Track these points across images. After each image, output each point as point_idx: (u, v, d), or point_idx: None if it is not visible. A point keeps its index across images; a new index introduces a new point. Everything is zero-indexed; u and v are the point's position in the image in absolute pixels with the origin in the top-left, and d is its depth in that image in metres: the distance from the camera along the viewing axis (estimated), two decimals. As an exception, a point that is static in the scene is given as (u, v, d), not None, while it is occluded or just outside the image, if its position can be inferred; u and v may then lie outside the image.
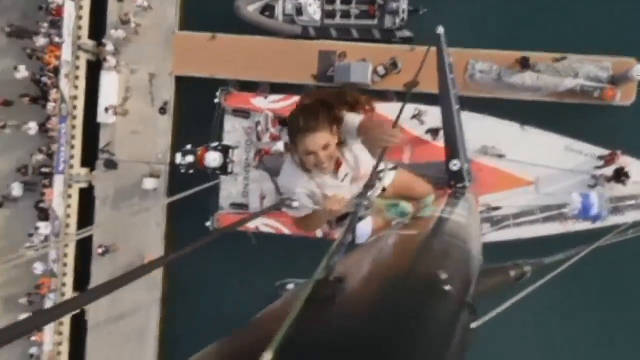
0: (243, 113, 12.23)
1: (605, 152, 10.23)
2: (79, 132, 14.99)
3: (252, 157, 12.10)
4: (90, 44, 15.03)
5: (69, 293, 14.82)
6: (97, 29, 15.06)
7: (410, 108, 10.49)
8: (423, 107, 10.43)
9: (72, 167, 14.88)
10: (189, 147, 12.28)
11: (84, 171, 15.11)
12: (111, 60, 14.56)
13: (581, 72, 12.07)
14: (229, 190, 12.46)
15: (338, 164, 3.25)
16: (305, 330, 1.22)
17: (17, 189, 15.20)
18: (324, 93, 3.25)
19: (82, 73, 15.05)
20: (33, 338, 14.32)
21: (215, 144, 12.05)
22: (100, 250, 14.50)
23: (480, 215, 9.81)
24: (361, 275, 1.78)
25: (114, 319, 14.65)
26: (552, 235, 10.07)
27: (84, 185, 15.16)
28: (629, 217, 9.88)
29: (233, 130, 12.38)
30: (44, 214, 14.93)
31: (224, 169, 12.06)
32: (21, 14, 15.52)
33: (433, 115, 10.19)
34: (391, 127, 3.07)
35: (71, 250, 14.95)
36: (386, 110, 4.67)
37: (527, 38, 12.81)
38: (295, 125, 3.00)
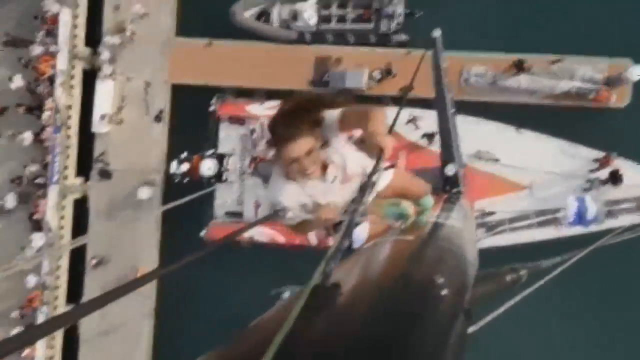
0: (238, 120, 12.22)
1: (599, 154, 10.25)
2: (73, 142, 14.92)
3: (247, 165, 12.07)
4: (85, 52, 15.00)
5: (62, 306, 14.71)
6: (93, 37, 15.04)
7: (405, 113, 10.50)
8: (418, 112, 10.45)
9: (66, 178, 14.81)
10: (184, 155, 12.27)
11: (78, 181, 15.04)
12: (106, 69, 14.53)
13: (576, 74, 12.10)
14: (224, 198, 12.42)
15: (325, 167, 3.18)
16: (303, 336, 1.21)
17: (10, 200, 15.06)
18: (301, 97, 3.16)
19: (77, 82, 15.01)
20: (24, 354, 14.03)
21: (210, 152, 12.04)
22: (93, 262, 14.42)
23: (475, 221, 9.81)
24: (358, 280, 1.77)
25: (106, 332, 14.50)
26: (547, 240, 10.06)
27: (78, 195, 15.10)
28: (624, 220, 9.88)
29: (228, 137, 12.36)
30: (38, 226, 14.84)
31: (218, 177, 12.04)
32: (16, 23, 15.48)
33: (428, 120, 10.20)
34: (373, 113, 3.00)
35: (64, 262, 14.85)
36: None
37: (523, 41, 12.82)
38: (275, 134, 2.93)
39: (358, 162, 3.30)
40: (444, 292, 1.46)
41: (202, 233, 12.21)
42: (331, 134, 3.16)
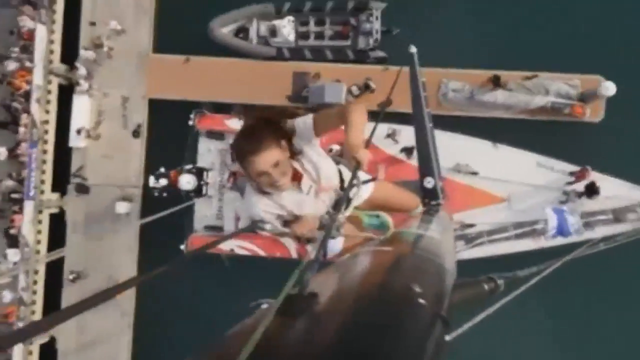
0: (217, 135, 12.18)
1: (575, 168, 10.41)
2: (49, 157, 14.77)
3: (226, 179, 12.03)
4: (62, 67, 14.90)
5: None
6: (69, 53, 14.94)
7: (384, 127, 10.57)
8: (397, 126, 10.52)
9: (43, 193, 14.64)
10: (162, 169, 12.19)
11: (55, 196, 14.87)
12: (83, 84, 14.44)
13: (551, 90, 12.30)
14: (203, 212, 12.36)
15: (299, 177, 3.15)
16: (279, 345, 1.21)
17: (-16, 216, 14.83)
18: (262, 111, 3.12)
19: (53, 97, 14.87)
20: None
21: (189, 167, 11.98)
22: (71, 277, 14.22)
23: (455, 233, 9.87)
24: (336, 290, 1.77)
25: (84, 345, 14.31)
26: (526, 251, 10.17)
27: (54, 210, 14.92)
28: (600, 232, 10.06)
29: (207, 152, 12.31)
30: (14, 241, 14.61)
31: (198, 192, 11.98)
32: (-9, 38, 15.37)
33: (407, 134, 10.27)
34: (350, 107, 2.96)
35: (40, 277, 14.62)
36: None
37: (499, 57, 13.04)
38: (239, 150, 2.89)
39: (335, 172, 3.28)
40: (422, 300, 1.47)
41: (182, 247, 12.13)
42: (306, 142, 3.13)
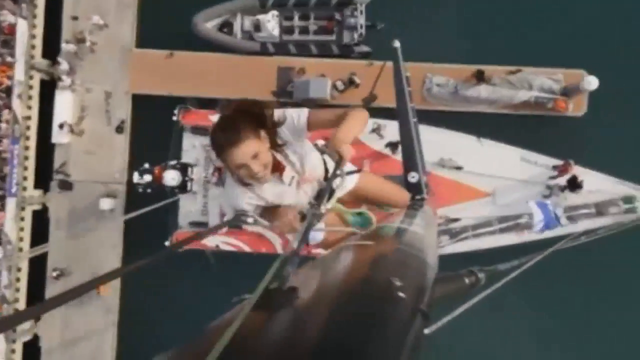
0: (201, 130, 12.11)
1: (558, 162, 10.49)
2: (32, 153, 14.63)
3: (211, 174, 11.98)
4: (44, 63, 14.73)
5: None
6: (51, 48, 14.78)
7: (370, 122, 10.57)
8: (382, 121, 10.52)
9: (25, 189, 14.50)
10: (146, 165, 12.10)
11: (38, 193, 14.73)
12: (66, 79, 14.29)
13: (534, 84, 12.40)
14: (188, 208, 12.29)
15: (281, 168, 3.11)
16: (256, 340, 1.20)
17: (-34, 213, 14.67)
18: (239, 102, 2.95)
19: (35, 93, 14.72)
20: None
21: (173, 162, 11.90)
22: (54, 274, 14.10)
23: (439, 227, 9.92)
24: (317, 284, 1.77)
25: (68, 344, 14.24)
26: (509, 245, 10.24)
27: (37, 207, 14.78)
28: (583, 225, 10.17)
29: (191, 148, 12.23)
30: (-4, 238, 14.48)
31: (182, 187, 11.91)
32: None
33: (392, 129, 10.26)
34: (351, 113, 2.92)
35: (23, 275, 14.50)
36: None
37: (482, 52, 13.12)
38: (217, 143, 2.80)
39: (320, 162, 3.26)
40: (401, 294, 1.47)
41: (167, 243, 12.06)
42: (295, 135, 3.09)
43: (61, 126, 14.11)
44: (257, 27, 13.67)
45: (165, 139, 12.27)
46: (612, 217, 10.31)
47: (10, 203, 14.37)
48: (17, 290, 14.41)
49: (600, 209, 10.30)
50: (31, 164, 14.64)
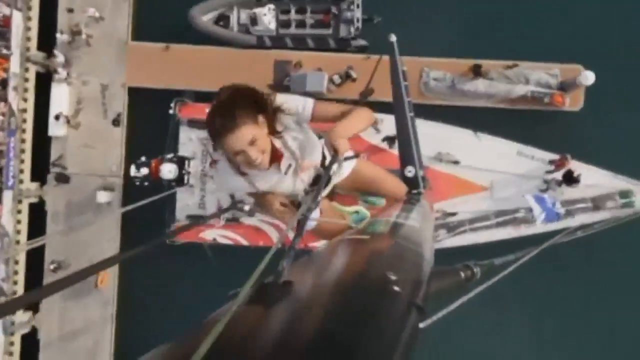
0: (198, 124, 12.08)
1: (555, 156, 10.50)
2: (28, 146, 14.59)
3: (208, 167, 11.97)
4: (39, 55, 14.66)
5: (19, 311, 14.36)
6: (47, 40, 14.70)
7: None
8: (379, 115, 10.49)
9: (22, 182, 14.46)
10: (143, 159, 12.07)
11: (34, 186, 14.70)
12: (62, 72, 14.22)
13: (531, 79, 12.39)
14: (185, 201, 12.28)
15: (279, 156, 3.05)
16: (248, 335, 1.20)
17: (-38, 207, 14.61)
18: (236, 86, 2.89)
19: (31, 85, 14.65)
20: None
21: (170, 155, 11.88)
22: (52, 267, 14.09)
23: (437, 221, 9.94)
24: (314, 278, 1.77)
25: (66, 337, 14.21)
26: (506, 239, 10.26)
27: (34, 200, 14.75)
28: (580, 220, 10.19)
29: (188, 141, 12.21)
30: (-8, 231, 14.45)
31: (180, 181, 11.89)
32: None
33: (389, 124, 10.23)
34: (355, 112, 2.87)
35: (21, 267, 14.47)
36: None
37: (479, 46, 13.11)
38: (213, 129, 2.73)
39: (319, 149, 3.23)
40: (397, 288, 1.47)
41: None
42: (296, 123, 3.04)
43: (57, 117, 14.06)
44: (254, 20, 13.63)
45: (162, 132, 12.25)
46: (609, 211, 10.33)
47: (7, 196, 14.34)
48: (15, 283, 14.38)
49: (597, 203, 10.32)
50: (28, 156, 14.60)
